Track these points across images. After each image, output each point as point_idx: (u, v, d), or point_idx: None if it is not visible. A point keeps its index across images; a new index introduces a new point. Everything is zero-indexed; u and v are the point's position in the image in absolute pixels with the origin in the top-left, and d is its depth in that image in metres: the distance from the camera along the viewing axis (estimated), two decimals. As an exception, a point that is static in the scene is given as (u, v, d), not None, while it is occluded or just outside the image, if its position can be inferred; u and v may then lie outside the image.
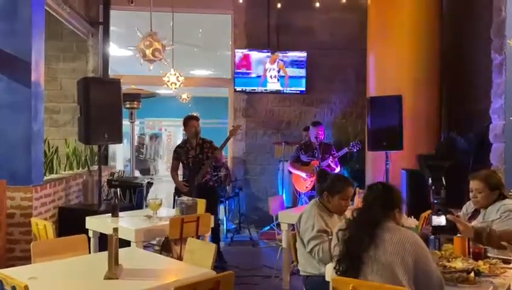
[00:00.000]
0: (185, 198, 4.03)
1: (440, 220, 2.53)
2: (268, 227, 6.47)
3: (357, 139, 5.68)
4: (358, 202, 4.55)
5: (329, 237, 2.75)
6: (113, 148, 10.81)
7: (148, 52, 4.55)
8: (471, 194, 2.98)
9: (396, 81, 5.99)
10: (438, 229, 2.41)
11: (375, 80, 6.44)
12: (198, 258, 2.73)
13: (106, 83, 5.06)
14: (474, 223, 2.96)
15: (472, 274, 2.23)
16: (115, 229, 2.36)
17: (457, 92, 6.48)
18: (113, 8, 6.93)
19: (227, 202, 6.74)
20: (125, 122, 6.97)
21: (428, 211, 3.99)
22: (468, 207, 3.17)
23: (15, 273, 2.20)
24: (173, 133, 14.50)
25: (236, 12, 7.33)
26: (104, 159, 6.81)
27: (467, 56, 6.28)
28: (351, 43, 7.14)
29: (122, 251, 2.77)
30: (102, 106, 4.49)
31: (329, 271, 2.48)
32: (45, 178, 4.59)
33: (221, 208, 6.81)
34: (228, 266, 5.02)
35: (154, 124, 16.22)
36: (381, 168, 5.46)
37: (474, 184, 2.95)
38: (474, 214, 3.06)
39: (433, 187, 2.77)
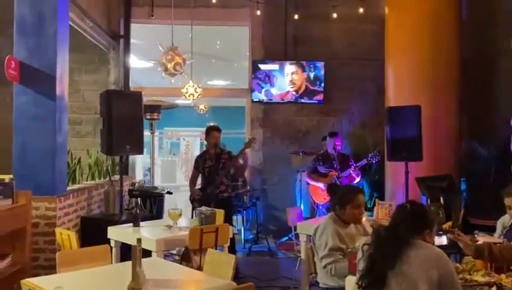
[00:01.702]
0: (203, 208, 4.08)
1: (441, 240, 2.54)
2: (287, 237, 6.46)
3: (376, 150, 5.65)
4: (378, 213, 4.53)
5: (348, 250, 2.76)
6: (132, 158, 10.97)
7: (170, 66, 4.66)
8: (509, 212, 2.93)
9: (415, 91, 5.97)
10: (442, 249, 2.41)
11: (394, 89, 6.42)
12: (218, 269, 2.76)
13: (128, 95, 5.18)
14: None
15: (494, 288, 2.21)
16: (139, 240, 2.41)
17: (478, 101, 6.41)
18: (133, 22, 7.10)
19: (244, 212, 6.76)
20: (146, 133, 7.13)
21: (449, 223, 3.97)
22: (505, 221, 3.11)
23: (42, 283, 2.28)
24: (191, 143, 14.63)
25: (254, 24, 7.41)
26: (124, 169, 6.94)
27: (488, 64, 6.22)
28: (369, 53, 7.13)
29: (144, 261, 2.82)
30: (124, 118, 4.60)
31: (348, 284, 2.48)
32: (68, 188, 4.70)
33: (239, 218, 6.84)
34: (245, 277, 5.03)
35: (173, 134, 16.43)
36: (400, 179, 5.43)
37: (510, 201, 2.90)
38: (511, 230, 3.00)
39: (431, 208, 2.77)
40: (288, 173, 7.25)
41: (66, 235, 3.32)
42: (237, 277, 4.97)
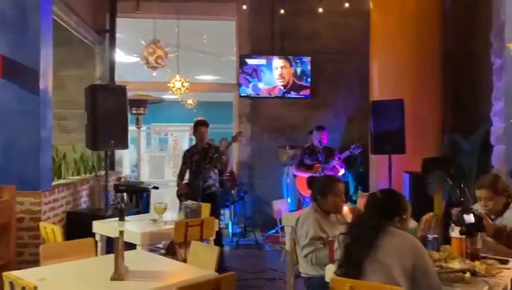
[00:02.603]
0: (189, 202, 4.11)
1: (470, 218, 2.52)
2: (274, 230, 6.52)
3: (357, 142, 5.71)
4: (361, 205, 4.60)
5: (329, 239, 2.81)
6: (120, 153, 10.92)
7: (151, 59, 4.67)
8: (480, 203, 2.98)
9: (399, 85, 6.04)
10: (470, 227, 2.42)
11: (379, 84, 6.49)
12: (202, 260, 2.80)
13: (112, 89, 5.17)
14: None
15: (468, 274, 2.28)
16: (121, 232, 2.44)
17: (460, 95, 6.51)
18: (119, 16, 7.05)
19: (232, 206, 6.79)
20: (132, 128, 7.11)
21: (431, 214, 4.04)
22: (479, 210, 3.16)
23: (25, 275, 2.29)
24: (179, 138, 14.60)
25: (240, 18, 7.42)
26: (110, 164, 6.92)
27: (470, 59, 6.32)
28: (355, 47, 7.19)
29: (128, 254, 2.85)
30: (109, 113, 4.60)
31: (328, 272, 2.53)
32: (53, 183, 4.69)
33: (227, 211, 6.88)
34: (231, 269, 5.08)
35: (161, 130, 16.38)
36: (384, 171, 5.51)
37: (482, 193, 2.94)
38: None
39: (454, 187, 2.78)
40: (276, 167, 7.29)
41: (50, 229, 3.33)
42: (224, 270, 5.04)
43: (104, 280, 2.28)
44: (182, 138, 14.43)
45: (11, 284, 2.13)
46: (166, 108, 13.33)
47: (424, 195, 5.08)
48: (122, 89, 4.90)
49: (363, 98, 7.07)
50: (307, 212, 3.09)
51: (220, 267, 5.13)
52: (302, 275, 3.07)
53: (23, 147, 4.08)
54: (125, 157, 11.12)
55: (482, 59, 5.81)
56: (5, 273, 2.17)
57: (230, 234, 6.56)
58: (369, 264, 2.10)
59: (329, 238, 2.78)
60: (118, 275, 2.28)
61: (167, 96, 9.24)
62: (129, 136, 7.21)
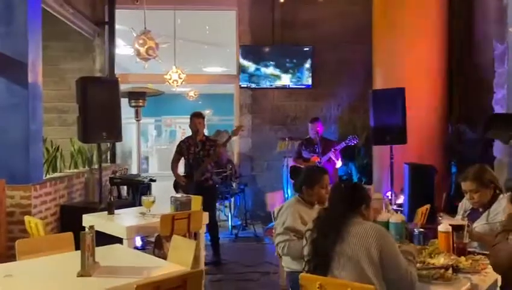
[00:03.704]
0: (179, 195, 4.04)
1: None
2: (273, 223, 6.42)
3: (355, 134, 5.55)
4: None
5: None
6: (129, 146, 10.88)
7: (142, 50, 4.59)
8: (467, 196, 2.86)
9: (403, 74, 5.86)
10: None
11: (382, 72, 6.31)
12: (182, 255, 2.73)
13: (104, 82, 5.12)
14: (475, 224, 2.81)
15: (450, 271, 2.16)
16: (91, 227, 2.38)
17: (466, 83, 6.28)
18: (118, 8, 6.99)
19: (232, 198, 6.72)
20: (132, 121, 7.07)
21: (427, 206, 3.89)
22: (466, 204, 3.04)
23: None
24: (187, 131, 14.61)
25: (241, 8, 7.29)
26: (112, 157, 6.90)
27: (476, 47, 6.09)
28: (357, 36, 7.00)
29: (106, 248, 2.81)
30: (101, 105, 4.55)
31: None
32: (48, 176, 4.68)
33: (227, 204, 6.81)
34: (228, 262, 5.03)
35: (171, 122, 16.38)
36: (387, 162, 5.35)
37: (467, 186, 2.81)
38: (473, 213, 2.92)
39: None
40: (277, 158, 7.17)
41: (34, 224, 3.30)
42: (220, 263, 5.00)
43: (72, 276, 2.22)
44: (189, 130, 14.43)
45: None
46: (176, 100, 13.35)
47: (423, 186, 4.93)
48: (114, 81, 4.85)
49: (367, 87, 6.87)
50: (289, 202, 3.02)
51: (216, 260, 5.11)
52: (285, 269, 2.98)
53: (12, 140, 4.06)
54: (134, 150, 11.12)
55: (489, 46, 5.59)
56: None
57: (230, 227, 6.50)
58: (337, 258, 2.02)
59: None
60: (85, 271, 2.22)
61: (175, 89, 9.17)
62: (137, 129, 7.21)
